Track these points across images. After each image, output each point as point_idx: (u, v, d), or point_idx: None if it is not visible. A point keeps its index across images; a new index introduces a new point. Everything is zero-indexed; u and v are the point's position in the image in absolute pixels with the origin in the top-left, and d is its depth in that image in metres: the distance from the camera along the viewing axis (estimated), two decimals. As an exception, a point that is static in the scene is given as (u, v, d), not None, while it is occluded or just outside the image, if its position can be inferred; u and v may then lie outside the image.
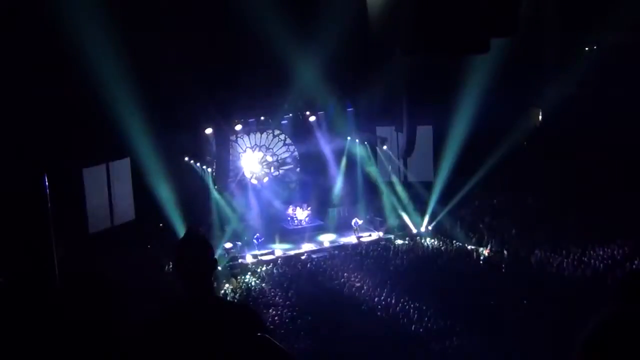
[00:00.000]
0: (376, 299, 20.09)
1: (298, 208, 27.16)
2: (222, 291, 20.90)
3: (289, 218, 27.01)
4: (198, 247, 3.62)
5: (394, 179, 28.43)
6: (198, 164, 24.93)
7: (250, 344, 3.20)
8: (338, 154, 27.63)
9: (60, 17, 17.80)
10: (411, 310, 19.24)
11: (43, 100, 19.10)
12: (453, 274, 21.67)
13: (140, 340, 3.40)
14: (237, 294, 20.90)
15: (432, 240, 25.25)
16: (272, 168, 27.50)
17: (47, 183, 21.04)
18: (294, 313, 19.26)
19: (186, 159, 24.95)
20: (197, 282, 3.54)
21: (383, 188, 27.40)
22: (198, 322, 3.45)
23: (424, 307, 19.29)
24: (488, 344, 16.94)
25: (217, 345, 3.38)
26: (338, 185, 27.69)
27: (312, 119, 27.16)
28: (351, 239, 25.82)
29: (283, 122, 27.26)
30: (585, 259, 21.44)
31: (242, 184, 26.58)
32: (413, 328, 18.48)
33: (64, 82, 19.47)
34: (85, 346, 3.23)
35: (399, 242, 25.51)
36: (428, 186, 26.68)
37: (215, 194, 25.20)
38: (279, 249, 24.63)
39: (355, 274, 21.91)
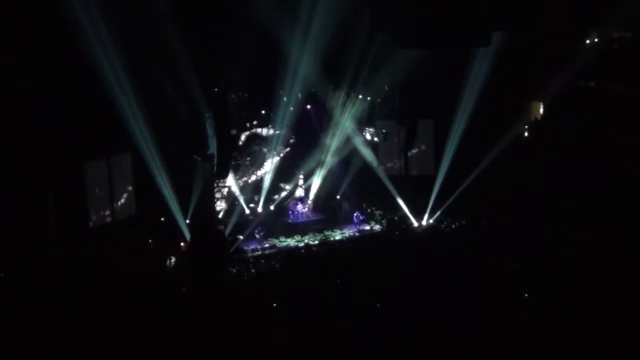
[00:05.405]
0: (376, 293, 20.11)
1: (299, 201, 27.22)
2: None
3: (290, 211, 27.06)
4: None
5: (396, 172, 28.42)
6: (199, 158, 24.88)
7: None
8: (339, 147, 27.59)
9: (60, 12, 17.81)
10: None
11: (43, 96, 19.10)
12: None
13: None
14: (238, 287, 20.97)
15: (432, 234, 25.29)
16: (273, 161, 27.45)
17: (48, 178, 21.09)
18: (295, 306, 19.31)
19: (188, 152, 24.92)
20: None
21: (384, 181, 27.39)
22: None
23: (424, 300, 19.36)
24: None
25: None
26: (339, 178, 27.70)
27: (314, 112, 27.12)
28: (352, 232, 25.89)
29: (285, 115, 27.18)
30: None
31: (244, 177, 26.59)
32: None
33: (64, 76, 19.49)
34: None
35: (400, 235, 25.54)
36: (429, 179, 26.72)
37: (216, 187, 25.26)
38: (280, 242, 24.72)
39: (356, 268, 21.92)
